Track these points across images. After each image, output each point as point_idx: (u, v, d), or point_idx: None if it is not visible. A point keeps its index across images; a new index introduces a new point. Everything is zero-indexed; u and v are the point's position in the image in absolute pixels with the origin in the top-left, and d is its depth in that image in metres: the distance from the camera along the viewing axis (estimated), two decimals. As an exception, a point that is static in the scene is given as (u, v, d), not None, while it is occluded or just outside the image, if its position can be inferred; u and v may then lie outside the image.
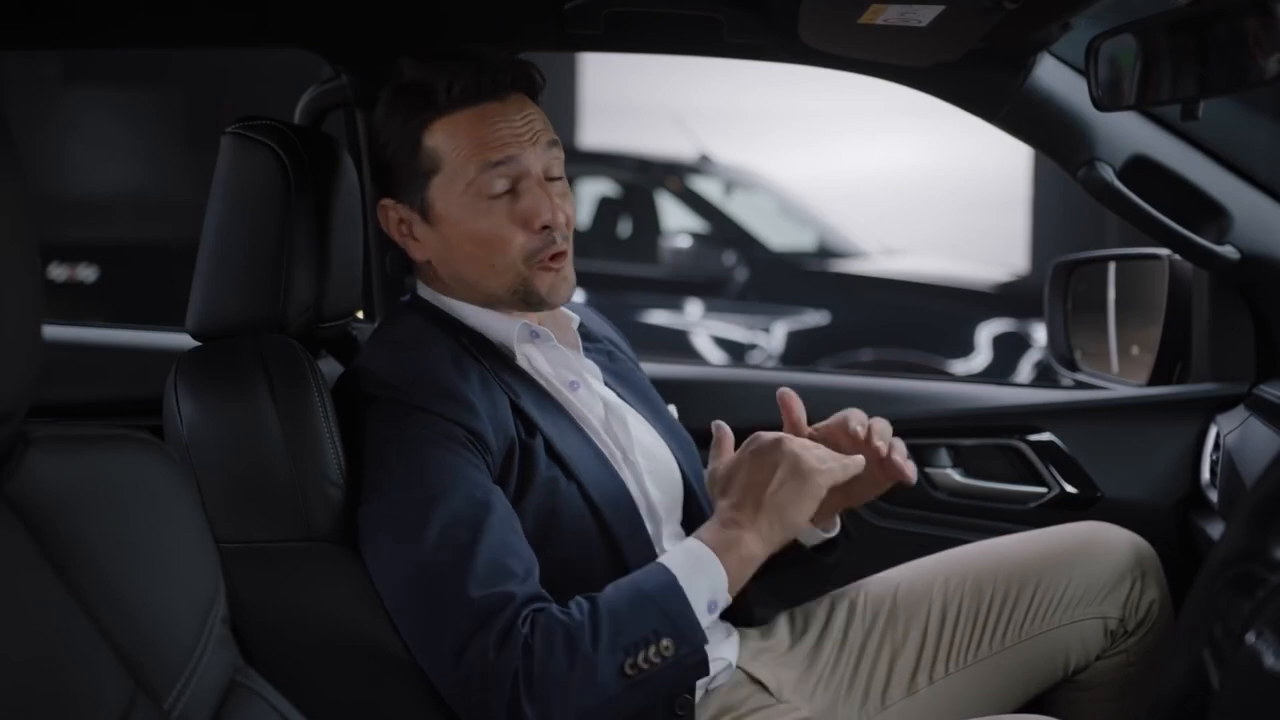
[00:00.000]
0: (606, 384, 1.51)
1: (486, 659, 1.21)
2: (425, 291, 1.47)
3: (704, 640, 1.25)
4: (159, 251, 5.16)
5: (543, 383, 1.43)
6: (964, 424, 1.93)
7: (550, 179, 1.41)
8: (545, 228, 1.38)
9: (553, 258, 1.40)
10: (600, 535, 1.35)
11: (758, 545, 1.30)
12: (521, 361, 1.43)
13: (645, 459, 1.46)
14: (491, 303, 1.43)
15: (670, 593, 1.26)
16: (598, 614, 1.24)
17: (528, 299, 1.41)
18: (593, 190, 5.87)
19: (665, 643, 1.23)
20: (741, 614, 1.52)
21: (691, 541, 1.31)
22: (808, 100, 7.62)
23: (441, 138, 1.39)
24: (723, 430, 1.41)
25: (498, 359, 1.42)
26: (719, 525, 1.31)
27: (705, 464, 1.59)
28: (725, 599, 1.29)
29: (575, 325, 1.50)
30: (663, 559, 1.31)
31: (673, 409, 1.61)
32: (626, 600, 1.26)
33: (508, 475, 1.33)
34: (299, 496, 1.31)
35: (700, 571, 1.28)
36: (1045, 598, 1.51)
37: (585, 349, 1.52)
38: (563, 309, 1.50)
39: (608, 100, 7.96)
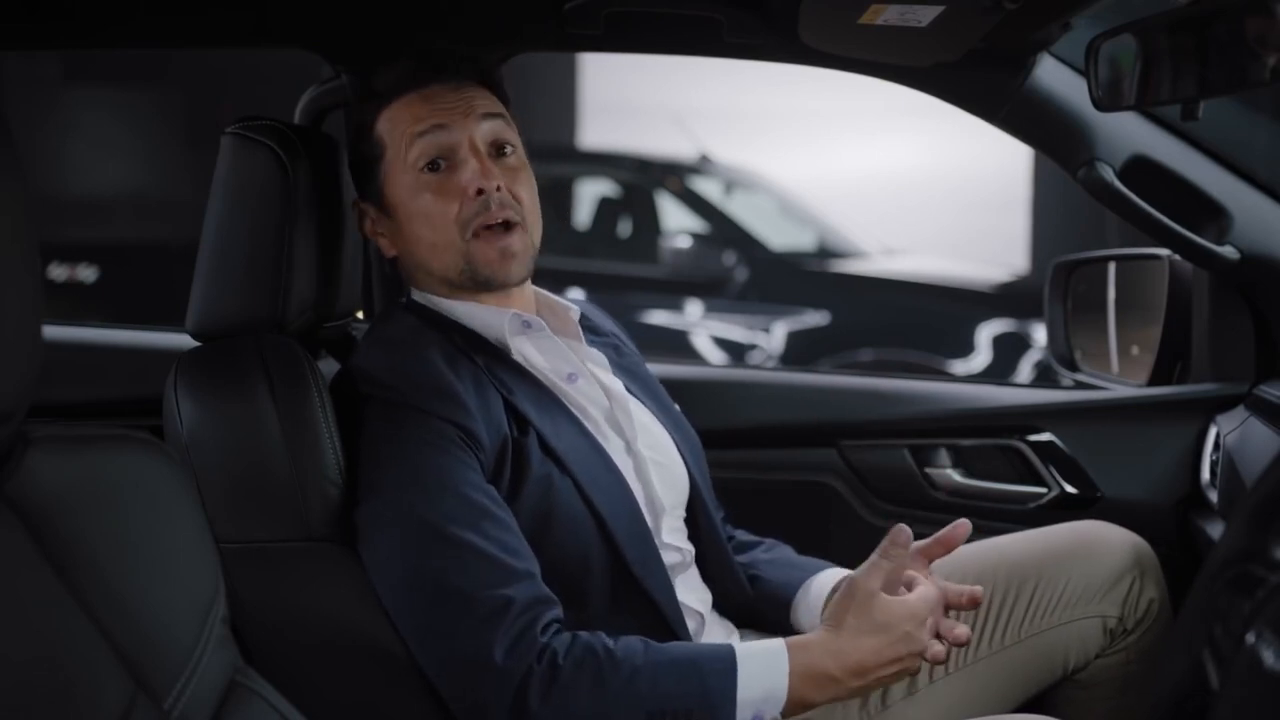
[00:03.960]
0: (613, 374, 1.50)
1: (490, 657, 1.21)
2: (417, 294, 1.47)
3: None
4: (159, 251, 5.16)
5: (539, 376, 1.43)
6: (964, 424, 1.93)
7: (500, 155, 1.42)
8: (480, 192, 1.38)
9: (495, 230, 1.38)
10: (597, 530, 1.35)
11: (830, 667, 1.26)
12: (516, 356, 1.43)
13: (650, 450, 1.45)
14: (461, 292, 1.43)
15: (722, 674, 1.23)
16: (641, 661, 1.23)
17: (475, 277, 1.41)
18: (593, 190, 5.87)
19: None
20: (742, 614, 1.52)
21: (775, 641, 1.28)
22: (808, 100, 7.62)
23: (384, 123, 1.43)
24: (902, 536, 1.29)
25: (492, 356, 1.41)
26: (816, 649, 1.27)
27: (711, 464, 1.59)
28: (774, 712, 1.24)
29: (576, 317, 1.50)
30: (736, 644, 1.29)
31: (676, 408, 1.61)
32: (675, 661, 1.24)
33: (501, 473, 1.32)
34: (299, 496, 1.31)
35: (761, 667, 1.25)
36: (1044, 597, 1.51)
37: (590, 340, 1.52)
38: (561, 301, 1.50)
39: (608, 100, 7.96)
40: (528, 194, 1.43)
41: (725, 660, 1.24)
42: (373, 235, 1.47)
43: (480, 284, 1.42)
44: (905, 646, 1.26)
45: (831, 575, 1.50)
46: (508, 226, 1.40)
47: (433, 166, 1.40)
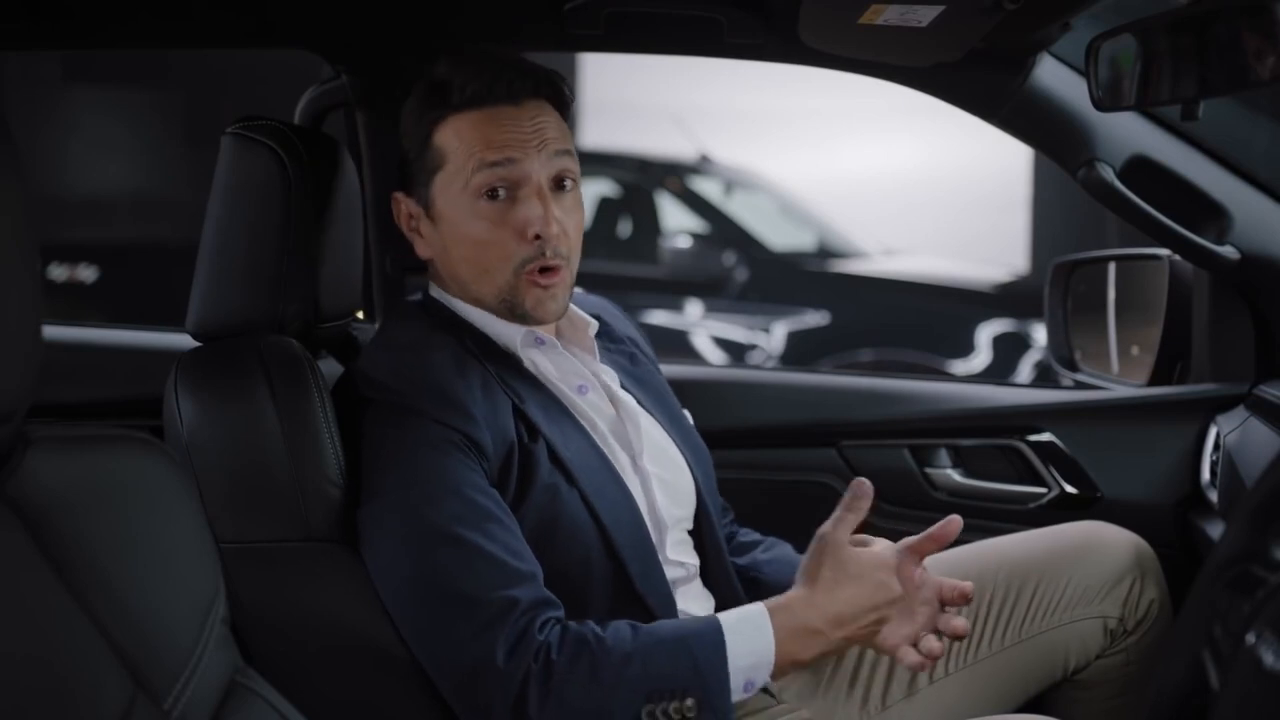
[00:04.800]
0: (624, 387, 1.48)
1: (493, 660, 1.20)
2: (436, 292, 1.46)
3: (729, 710, 1.23)
4: (159, 251, 5.15)
5: (549, 385, 1.42)
6: (964, 424, 1.93)
7: (560, 189, 1.39)
8: (537, 237, 1.36)
9: (543, 273, 1.37)
10: (601, 543, 1.34)
11: (817, 628, 1.27)
12: (527, 364, 1.42)
13: (655, 464, 1.44)
14: (484, 308, 1.42)
15: (711, 648, 1.23)
16: (632, 646, 1.23)
17: (513, 309, 1.39)
18: (593, 190, 5.86)
19: (689, 701, 1.21)
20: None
21: (755, 606, 1.29)
22: (808, 100, 7.62)
23: (449, 135, 1.38)
24: (864, 488, 1.31)
25: (503, 361, 1.40)
26: (796, 607, 1.27)
27: (716, 465, 1.58)
28: (765, 677, 1.26)
29: (592, 331, 1.48)
30: (720, 615, 1.29)
31: (687, 414, 1.60)
32: (665, 641, 1.24)
33: (506, 479, 1.32)
34: (299, 496, 1.31)
35: (746, 635, 1.25)
36: (1045, 597, 1.51)
37: (606, 350, 1.51)
38: (579, 313, 1.48)
39: (608, 100, 7.95)
40: (576, 233, 1.41)
41: (713, 633, 1.25)
42: (409, 232, 1.44)
43: (516, 317, 1.40)
44: (881, 594, 1.28)
45: None
46: (555, 269, 1.38)
47: (492, 194, 1.37)
